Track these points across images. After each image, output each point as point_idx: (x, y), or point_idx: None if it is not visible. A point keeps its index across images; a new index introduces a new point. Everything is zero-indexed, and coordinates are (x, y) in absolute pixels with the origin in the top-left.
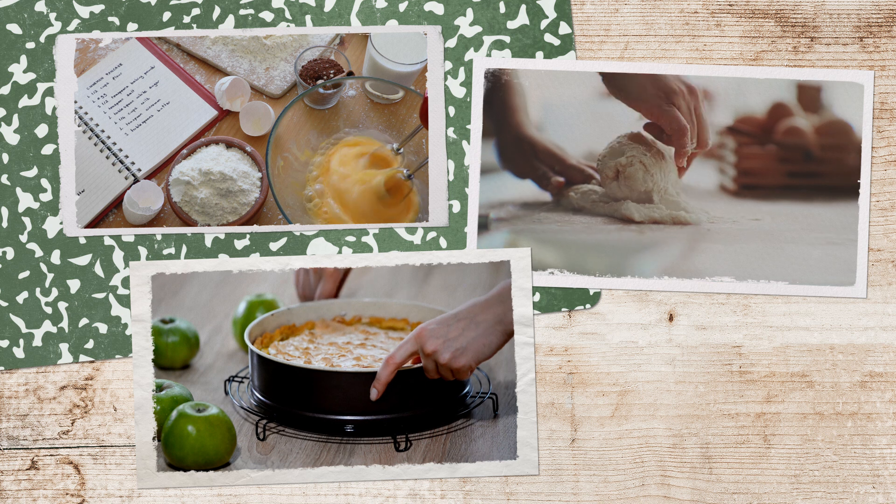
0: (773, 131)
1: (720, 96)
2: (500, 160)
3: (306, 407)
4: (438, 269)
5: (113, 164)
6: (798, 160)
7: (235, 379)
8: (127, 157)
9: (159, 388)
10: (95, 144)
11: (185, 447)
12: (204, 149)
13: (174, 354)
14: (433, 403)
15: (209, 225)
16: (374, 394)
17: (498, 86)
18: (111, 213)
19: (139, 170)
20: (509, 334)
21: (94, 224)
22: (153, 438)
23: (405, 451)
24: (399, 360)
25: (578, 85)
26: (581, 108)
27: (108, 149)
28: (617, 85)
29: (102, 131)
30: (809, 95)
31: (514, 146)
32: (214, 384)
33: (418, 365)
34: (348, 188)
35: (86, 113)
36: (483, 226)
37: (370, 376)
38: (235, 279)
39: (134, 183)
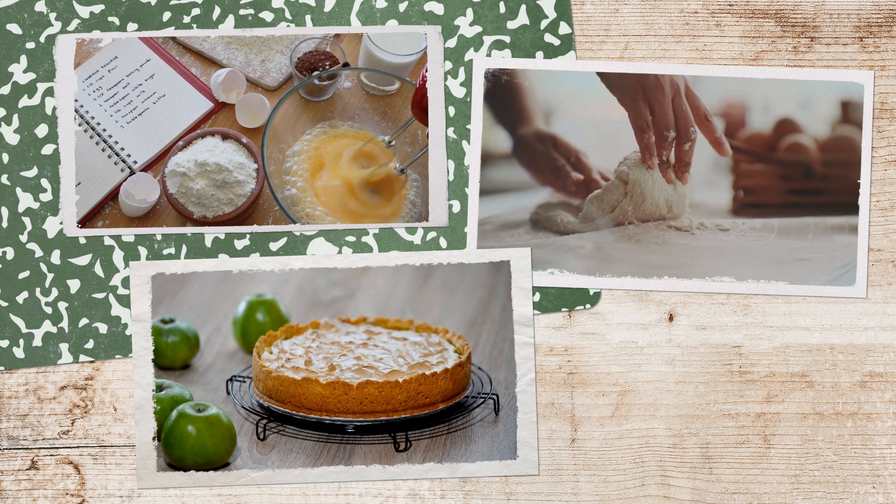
0: (777, 148)
1: (759, 104)
2: (518, 160)
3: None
4: (438, 269)
5: (109, 157)
6: (799, 177)
7: (237, 378)
8: (123, 149)
9: (159, 388)
10: (91, 137)
11: (185, 447)
12: (200, 140)
13: (174, 354)
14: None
15: (205, 216)
16: None
17: (509, 89)
18: (108, 205)
19: (135, 162)
20: None
21: (90, 216)
22: (153, 438)
23: (405, 451)
24: None
25: (580, 84)
26: (588, 113)
27: (105, 141)
28: (611, 83)
29: (98, 124)
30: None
31: (536, 140)
32: (214, 384)
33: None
34: (335, 186)
35: (81, 106)
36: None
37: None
38: (235, 279)
39: (130, 175)
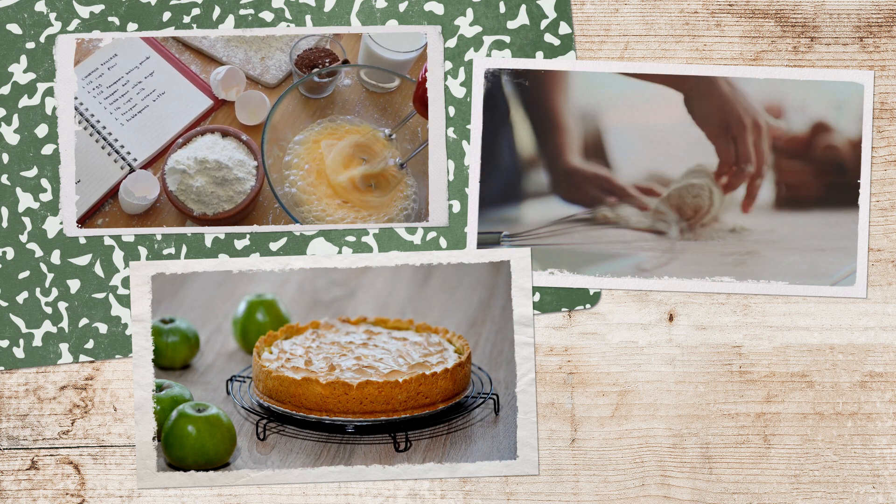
0: (812, 147)
1: (793, 107)
2: (550, 185)
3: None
4: (438, 269)
5: (109, 155)
6: (831, 173)
7: (237, 378)
8: (123, 147)
9: (159, 388)
10: (91, 135)
11: (185, 447)
12: (199, 138)
13: (174, 354)
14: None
15: (205, 214)
16: None
17: (548, 121)
18: (107, 203)
19: (135, 160)
20: None
21: (90, 213)
22: (153, 438)
23: (405, 451)
24: None
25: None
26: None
27: (104, 139)
28: (696, 113)
29: (98, 122)
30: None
31: (564, 175)
32: (214, 384)
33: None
34: (334, 180)
35: (81, 104)
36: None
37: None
38: (235, 279)
39: (130, 172)
